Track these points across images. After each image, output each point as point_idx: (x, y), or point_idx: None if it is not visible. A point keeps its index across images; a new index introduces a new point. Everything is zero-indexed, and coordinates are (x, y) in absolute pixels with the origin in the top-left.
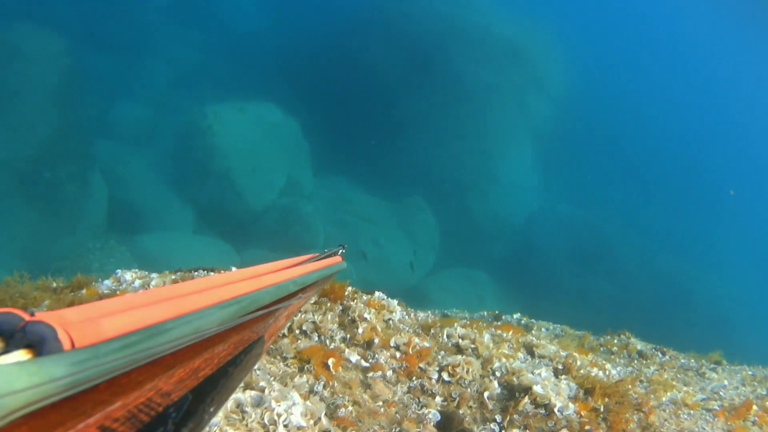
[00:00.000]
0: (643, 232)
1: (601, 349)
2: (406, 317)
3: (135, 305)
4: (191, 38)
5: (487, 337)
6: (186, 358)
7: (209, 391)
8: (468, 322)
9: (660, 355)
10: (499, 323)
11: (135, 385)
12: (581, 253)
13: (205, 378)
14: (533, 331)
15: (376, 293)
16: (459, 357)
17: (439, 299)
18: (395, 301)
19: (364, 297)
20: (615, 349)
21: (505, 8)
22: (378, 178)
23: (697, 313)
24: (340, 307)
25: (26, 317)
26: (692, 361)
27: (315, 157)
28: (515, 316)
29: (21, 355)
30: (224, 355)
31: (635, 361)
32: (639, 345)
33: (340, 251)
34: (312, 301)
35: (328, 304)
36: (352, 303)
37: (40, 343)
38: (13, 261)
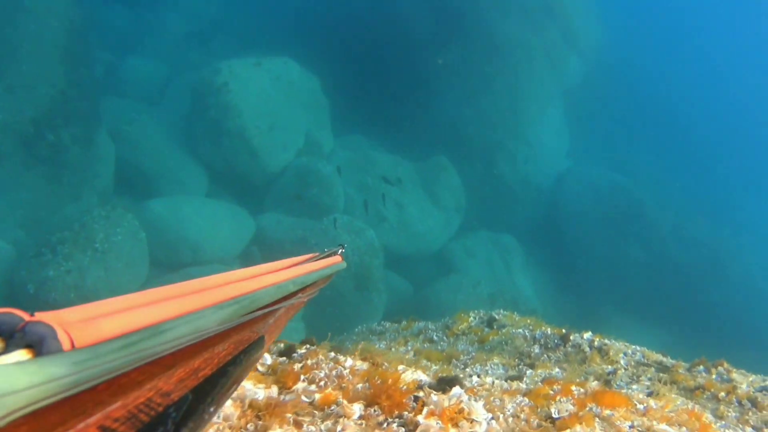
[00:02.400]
0: (676, 196)
1: (705, 395)
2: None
3: (135, 305)
4: None
5: None
6: (186, 358)
7: (209, 391)
8: None
9: None
10: (570, 349)
11: (135, 385)
12: (612, 217)
13: (205, 378)
14: (610, 355)
15: (454, 392)
16: None
17: (464, 266)
18: (479, 404)
19: (434, 398)
20: (722, 395)
21: None
22: (401, 137)
23: (730, 285)
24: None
25: (26, 317)
26: None
27: (335, 115)
28: (586, 336)
29: (21, 355)
30: (224, 355)
31: (750, 413)
32: (744, 384)
33: (340, 251)
34: None
35: (380, 417)
36: (419, 417)
37: (39, 343)
38: (14, 231)
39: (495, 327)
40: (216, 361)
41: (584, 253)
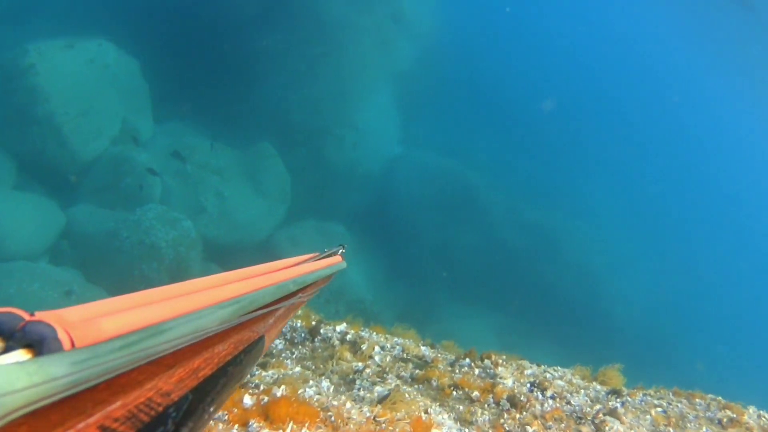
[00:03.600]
0: (509, 181)
1: (457, 394)
2: None
3: (135, 305)
4: None
5: None
6: (186, 357)
7: (209, 391)
8: None
9: (540, 396)
10: (318, 344)
11: (135, 384)
12: (444, 201)
13: (205, 378)
14: (364, 350)
15: None
16: None
17: (290, 256)
18: None
19: None
20: (475, 394)
21: None
22: (225, 123)
23: (564, 266)
24: None
25: (26, 317)
26: (581, 395)
27: (155, 101)
28: (339, 328)
29: (21, 354)
30: (224, 355)
31: (505, 414)
32: (509, 379)
33: (340, 251)
34: None
35: None
36: None
37: (39, 342)
38: None
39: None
40: (216, 360)
41: (416, 239)
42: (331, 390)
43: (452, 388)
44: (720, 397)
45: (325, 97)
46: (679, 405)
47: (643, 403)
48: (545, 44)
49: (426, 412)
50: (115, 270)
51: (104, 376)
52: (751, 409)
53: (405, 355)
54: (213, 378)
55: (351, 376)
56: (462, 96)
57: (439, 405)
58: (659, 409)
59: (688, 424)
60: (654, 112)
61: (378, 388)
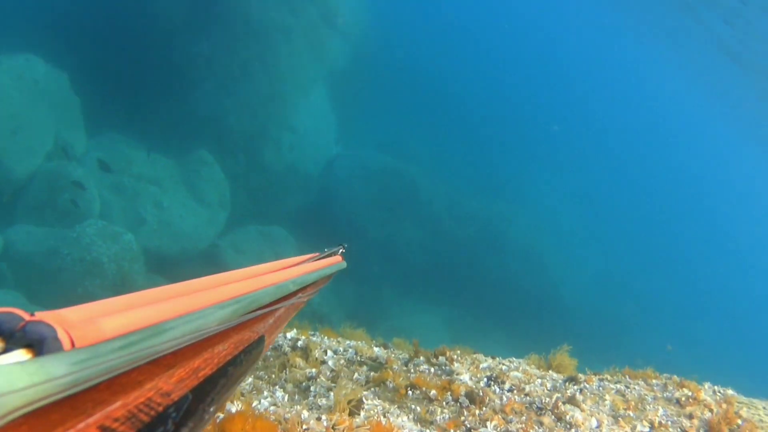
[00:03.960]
0: (450, 174)
1: (414, 394)
2: None
3: (135, 305)
4: None
5: None
6: (186, 357)
7: (209, 391)
8: None
9: (498, 390)
10: (269, 353)
11: (135, 384)
12: (386, 198)
13: (205, 378)
14: (315, 355)
15: None
16: None
17: (234, 262)
18: None
19: None
20: (433, 393)
21: None
22: (159, 133)
23: (510, 254)
24: None
25: (26, 317)
26: (538, 384)
27: (87, 114)
28: (289, 335)
29: (21, 354)
30: (224, 355)
31: (465, 411)
32: (465, 374)
33: (341, 251)
34: None
35: None
36: None
37: (39, 342)
38: None
39: None
40: (216, 360)
41: (360, 237)
42: (286, 399)
43: (409, 389)
44: (675, 376)
45: (260, 101)
46: (636, 387)
47: (600, 388)
48: (479, 37)
49: (384, 416)
50: (57, 288)
51: (104, 376)
52: (707, 385)
53: (359, 357)
54: (213, 378)
55: (305, 383)
56: (398, 93)
57: (398, 407)
58: (617, 393)
59: (647, 406)
60: (589, 93)
61: (332, 393)
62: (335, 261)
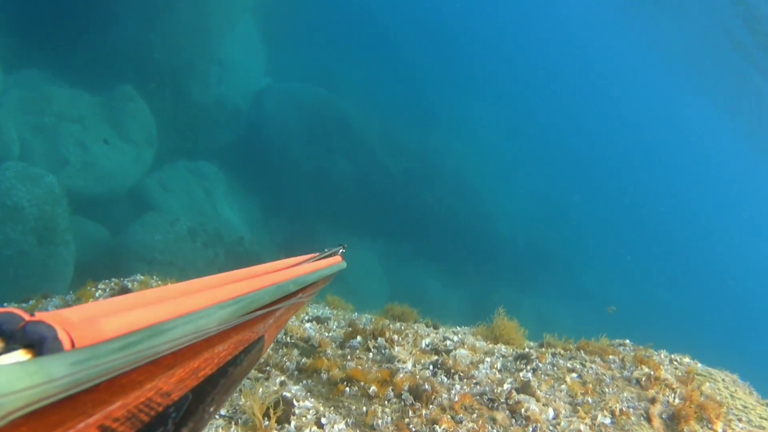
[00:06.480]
0: (383, 106)
1: (348, 390)
2: None
3: (135, 305)
4: None
5: None
6: (186, 358)
7: (209, 391)
8: None
9: (446, 380)
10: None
11: (135, 385)
12: (318, 131)
13: (205, 378)
14: None
15: None
16: None
17: (163, 201)
18: None
19: None
20: (372, 388)
21: None
22: (81, 68)
23: (446, 187)
24: None
25: (26, 317)
26: (487, 366)
27: (4, 50)
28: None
29: (21, 354)
30: (224, 355)
31: (409, 411)
32: (409, 362)
33: (340, 251)
34: None
35: None
36: None
37: (40, 342)
38: None
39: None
40: (216, 361)
41: (291, 172)
42: None
43: (346, 383)
44: (627, 341)
45: (186, 33)
46: (593, 366)
47: (554, 367)
48: None
49: (319, 424)
50: None
51: (104, 376)
52: (663, 354)
53: (288, 338)
54: (213, 378)
55: None
56: (329, 23)
57: (333, 408)
58: (574, 374)
59: (606, 389)
60: (519, 22)
61: (261, 391)
62: (335, 261)
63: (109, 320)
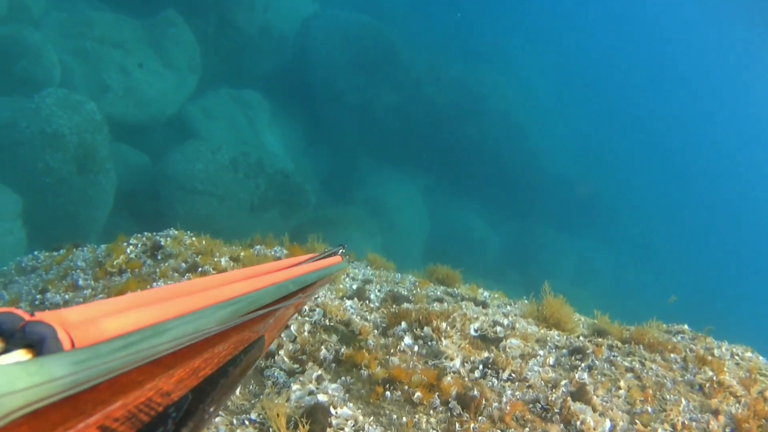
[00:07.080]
0: (430, 38)
1: (389, 394)
2: None
3: (135, 305)
4: None
5: None
6: (186, 358)
7: (209, 391)
8: None
9: (496, 383)
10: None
11: (135, 385)
12: (364, 61)
13: (205, 378)
14: None
15: None
16: None
17: (205, 129)
18: None
19: None
20: (417, 394)
21: None
22: None
23: (489, 122)
24: None
25: (26, 317)
26: (540, 361)
27: None
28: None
29: (21, 354)
30: (224, 355)
31: (456, 423)
32: (458, 359)
33: (340, 251)
34: None
35: None
36: None
37: (40, 342)
38: None
39: (159, 258)
40: (216, 361)
41: (336, 102)
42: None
43: (386, 385)
44: (686, 326)
45: None
46: (653, 367)
47: (611, 366)
48: None
49: None
50: (16, 164)
51: (105, 376)
52: (724, 348)
53: (327, 321)
54: (213, 378)
55: (260, 364)
56: None
57: (373, 416)
58: (631, 374)
59: (667, 395)
60: None
61: (296, 388)
62: (335, 261)
63: (109, 320)
